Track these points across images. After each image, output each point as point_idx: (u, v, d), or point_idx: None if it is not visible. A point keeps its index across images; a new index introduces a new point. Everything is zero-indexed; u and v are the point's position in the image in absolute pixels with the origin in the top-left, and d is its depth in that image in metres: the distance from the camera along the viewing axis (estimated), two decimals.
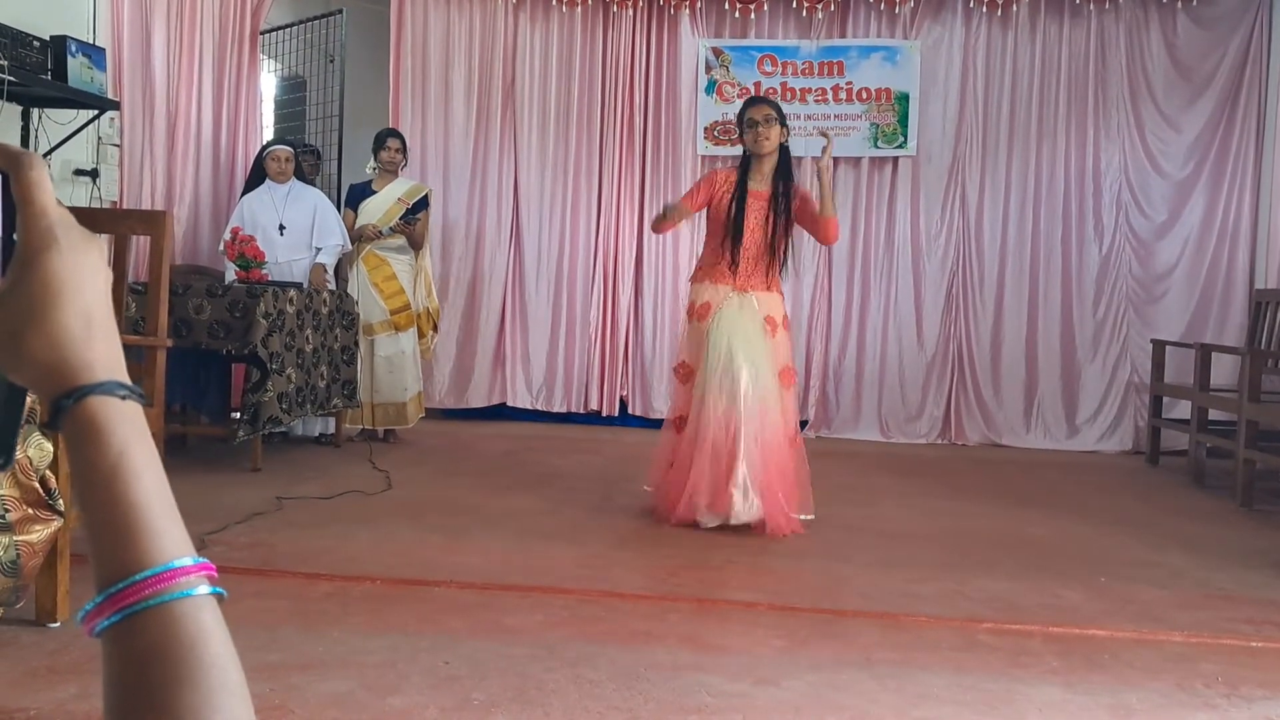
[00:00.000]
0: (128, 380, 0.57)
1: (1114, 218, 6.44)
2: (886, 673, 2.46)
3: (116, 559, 0.53)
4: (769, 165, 4.01)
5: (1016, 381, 6.50)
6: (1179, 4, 6.28)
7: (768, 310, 4.02)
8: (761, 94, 6.40)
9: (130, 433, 0.55)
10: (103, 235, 3.49)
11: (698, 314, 4.04)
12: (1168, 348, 5.85)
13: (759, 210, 3.99)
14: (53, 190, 0.56)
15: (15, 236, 0.55)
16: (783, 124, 3.97)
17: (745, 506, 3.80)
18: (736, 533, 3.85)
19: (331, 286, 5.51)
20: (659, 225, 4.09)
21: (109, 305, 0.57)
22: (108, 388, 0.55)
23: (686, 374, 4.06)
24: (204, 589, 0.54)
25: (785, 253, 4.05)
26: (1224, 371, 5.71)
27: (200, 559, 0.55)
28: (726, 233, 3.99)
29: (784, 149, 4.02)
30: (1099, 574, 3.43)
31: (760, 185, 4.01)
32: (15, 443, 0.56)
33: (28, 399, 0.58)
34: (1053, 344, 6.48)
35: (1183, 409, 5.84)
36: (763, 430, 3.83)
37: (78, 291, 0.55)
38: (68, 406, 0.54)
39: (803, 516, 3.97)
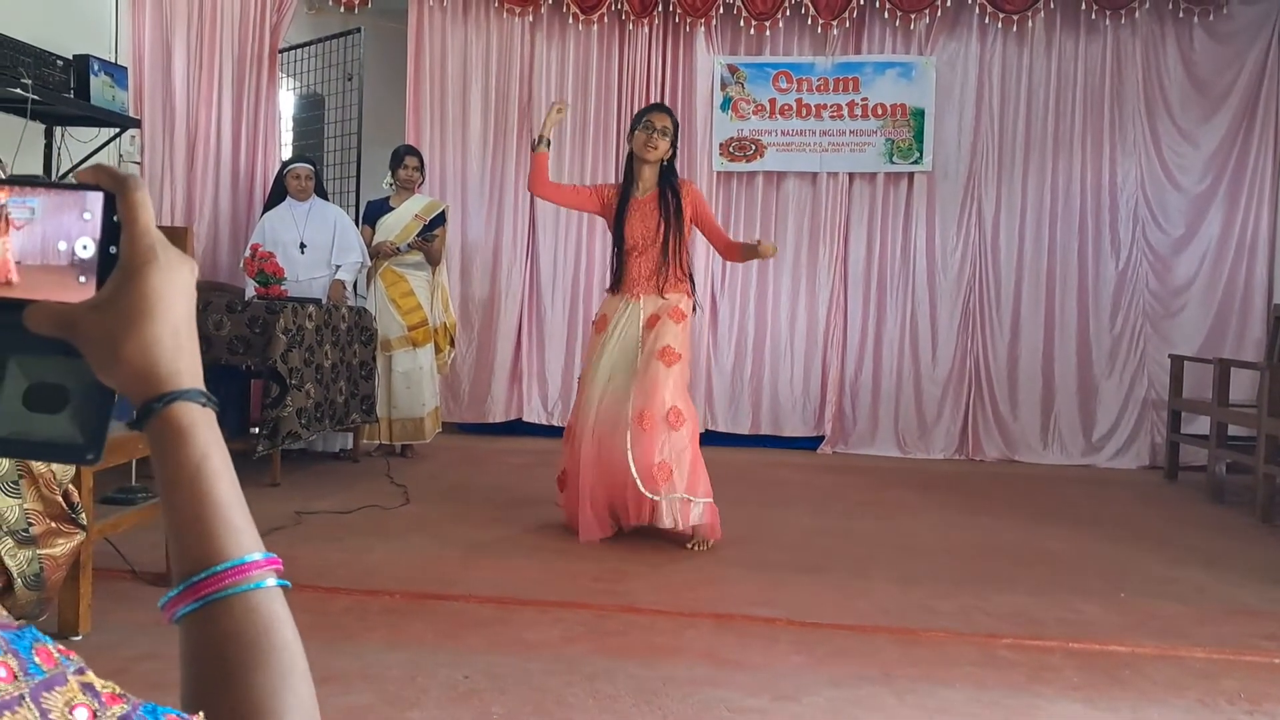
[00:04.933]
0: (205, 391, 0.61)
1: (1130, 232, 6.42)
2: (906, 688, 2.45)
3: (197, 551, 0.58)
4: (651, 174, 4.05)
5: (1033, 397, 6.47)
6: (1195, 18, 6.27)
7: (653, 310, 4.00)
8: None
9: (211, 437, 0.60)
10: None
11: (596, 326, 4.13)
12: (1185, 363, 5.82)
13: (641, 215, 4.02)
14: (153, 211, 0.61)
15: (112, 250, 0.59)
16: (673, 144, 4.03)
17: (669, 511, 3.80)
18: (752, 548, 3.85)
19: (351, 302, 5.54)
20: (535, 167, 4.01)
21: (194, 321, 0.61)
22: (192, 395, 0.59)
23: (583, 384, 4.14)
24: (273, 581, 0.60)
25: (677, 252, 4.02)
26: (1242, 386, 5.68)
27: (269, 554, 0.60)
28: (613, 242, 4.08)
29: (667, 167, 4.05)
30: (1119, 589, 3.42)
31: (642, 194, 4.05)
32: (104, 439, 0.60)
33: (114, 400, 0.62)
34: (1069, 359, 6.46)
35: (1201, 424, 5.80)
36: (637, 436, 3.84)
37: (171, 306, 0.59)
38: (158, 409, 0.59)
39: (700, 500, 3.83)
